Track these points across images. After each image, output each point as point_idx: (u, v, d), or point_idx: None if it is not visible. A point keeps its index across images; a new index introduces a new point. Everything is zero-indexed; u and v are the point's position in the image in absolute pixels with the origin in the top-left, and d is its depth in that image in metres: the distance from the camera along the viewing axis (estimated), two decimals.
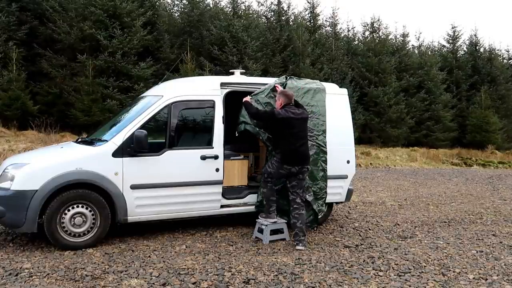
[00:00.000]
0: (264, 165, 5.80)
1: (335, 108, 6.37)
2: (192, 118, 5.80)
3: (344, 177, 6.46)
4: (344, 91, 6.73)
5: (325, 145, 6.06)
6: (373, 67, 22.96)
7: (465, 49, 28.86)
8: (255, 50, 18.92)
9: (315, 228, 6.23)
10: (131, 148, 5.06)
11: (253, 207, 5.96)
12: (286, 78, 6.14)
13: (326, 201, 6.33)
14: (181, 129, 5.62)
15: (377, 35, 25.08)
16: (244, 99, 5.67)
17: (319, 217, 6.15)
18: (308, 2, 24.31)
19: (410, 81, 23.90)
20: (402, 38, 26.69)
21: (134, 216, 5.17)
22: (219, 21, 19.27)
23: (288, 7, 23.23)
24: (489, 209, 8.43)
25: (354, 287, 4.07)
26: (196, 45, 19.13)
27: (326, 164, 6.06)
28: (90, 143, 5.46)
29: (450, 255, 5.16)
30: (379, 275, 4.39)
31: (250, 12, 22.74)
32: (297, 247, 5.25)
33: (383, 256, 5.02)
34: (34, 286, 3.85)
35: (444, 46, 29.57)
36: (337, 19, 25.60)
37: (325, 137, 6.08)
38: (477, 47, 28.46)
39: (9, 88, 14.42)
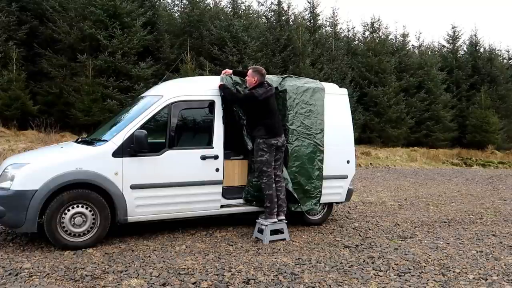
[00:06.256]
0: (253, 162, 5.74)
1: (335, 108, 6.38)
2: (192, 118, 5.81)
3: (344, 177, 6.46)
4: (344, 91, 6.72)
5: (323, 144, 6.06)
6: (373, 67, 22.96)
7: (465, 49, 28.88)
8: (255, 50, 18.92)
9: (315, 228, 6.25)
10: (131, 148, 5.05)
11: (244, 200, 5.90)
12: (283, 78, 6.12)
13: (326, 202, 6.35)
14: (181, 129, 5.61)
15: (377, 35, 25.08)
16: (219, 84, 5.71)
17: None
18: (308, 2, 24.32)
19: (410, 81, 23.90)
20: (402, 38, 26.73)
21: (134, 216, 5.16)
22: (219, 21, 19.27)
23: (288, 7, 23.24)
24: (489, 209, 8.43)
25: (354, 287, 4.07)
26: (196, 45, 19.13)
27: (322, 163, 6.05)
28: (90, 143, 5.44)
29: (450, 255, 5.16)
30: (379, 275, 4.39)
31: (250, 12, 22.74)
32: (279, 217, 5.61)
33: (383, 256, 5.02)
34: (34, 286, 3.84)
35: (444, 46, 29.60)
36: (337, 19, 25.66)
37: (323, 136, 6.08)
38: (477, 47, 28.47)
39: (9, 88, 14.41)
